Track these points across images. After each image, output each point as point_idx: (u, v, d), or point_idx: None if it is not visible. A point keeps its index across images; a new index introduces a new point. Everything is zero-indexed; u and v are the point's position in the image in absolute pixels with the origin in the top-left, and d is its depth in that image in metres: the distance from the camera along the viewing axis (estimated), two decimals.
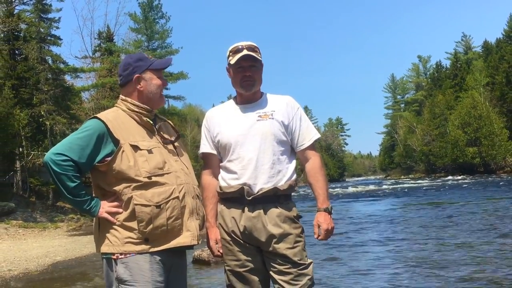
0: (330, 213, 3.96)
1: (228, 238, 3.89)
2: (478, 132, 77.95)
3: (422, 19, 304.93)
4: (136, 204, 3.41)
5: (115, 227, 3.46)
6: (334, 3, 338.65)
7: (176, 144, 3.83)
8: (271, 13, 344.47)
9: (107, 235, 3.48)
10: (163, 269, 3.49)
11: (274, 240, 3.78)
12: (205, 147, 4.07)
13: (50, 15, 39.28)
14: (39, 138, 37.01)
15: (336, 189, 59.81)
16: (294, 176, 3.96)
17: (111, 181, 3.48)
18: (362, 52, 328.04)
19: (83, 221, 27.16)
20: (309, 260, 3.89)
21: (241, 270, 3.87)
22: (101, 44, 54.00)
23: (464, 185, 45.77)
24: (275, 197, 3.83)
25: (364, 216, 22.72)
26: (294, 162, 4.03)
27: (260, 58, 3.91)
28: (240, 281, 3.90)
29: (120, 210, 3.45)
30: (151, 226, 3.42)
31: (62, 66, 39.93)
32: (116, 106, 3.75)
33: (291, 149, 4.04)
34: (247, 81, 3.91)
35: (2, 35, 35.75)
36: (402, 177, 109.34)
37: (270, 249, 3.80)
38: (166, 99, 56.80)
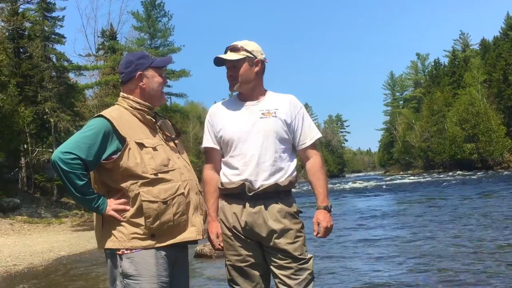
0: (329, 211, 3.98)
1: (229, 233, 3.90)
2: (475, 129, 77.86)
3: (420, 17, 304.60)
4: (144, 201, 3.41)
5: (121, 223, 3.46)
6: (334, 2, 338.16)
7: (176, 141, 3.84)
8: (272, 13, 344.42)
9: (113, 231, 3.48)
10: (167, 264, 3.50)
11: (275, 235, 3.79)
12: (208, 141, 4.08)
13: (54, 14, 39.28)
14: (43, 135, 36.99)
15: (336, 185, 59.84)
16: (295, 173, 3.97)
17: (117, 178, 3.48)
18: (362, 50, 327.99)
19: (87, 217, 27.14)
20: (309, 255, 3.91)
21: (242, 265, 3.89)
22: (105, 42, 53.93)
23: (462, 181, 45.75)
24: (275, 193, 3.84)
25: (363, 212, 22.72)
26: (295, 160, 4.05)
27: (239, 57, 3.93)
28: (241, 276, 3.91)
29: (128, 207, 3.45)
30: (158, 222, 3.42)
31: (66, 64, 39.90)
32: (118, 104, 3.74)
33: (292, 147, 4.05)
34: (230, 81, 4.00)
35: (7, 33, 35.70)
36: (401, 173, 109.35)
37: (271, 244, 3.81)
38: (168, 96, 56.94)
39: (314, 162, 4.05)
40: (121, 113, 3.62)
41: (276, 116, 3.93)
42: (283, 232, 3.80)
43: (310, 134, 4.06)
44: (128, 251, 3.43)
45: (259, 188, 3.80)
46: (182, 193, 3.53)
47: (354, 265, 10.18)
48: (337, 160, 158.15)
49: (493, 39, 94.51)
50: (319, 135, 4.16)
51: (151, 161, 3.48)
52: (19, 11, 36.93)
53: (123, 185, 3.46)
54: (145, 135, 3.58)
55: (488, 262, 9.38)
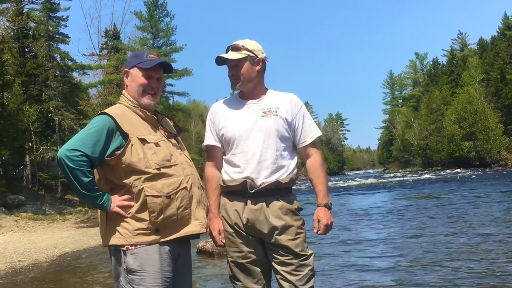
0: (329, 208, 3.98)
1: (231, 230, 3.91)
2: (473, 127, 77.79)
3: (419, 17, 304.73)
4: (148, 196, 3.41)
5: (125, 219, 3.46)
6: (334, 2, 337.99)
7: (177, 138, 3.85)
8: (272, 12, 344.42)
9: (117, 227, 3.47)
10: (171, 259, 3.50)
11: (276, 232, 3.80)
12: (209, 139, 4.08)
13: (58, 14, 39.37)
14: (48, 133, 37.01)
15: (336, 182, 59.82)
16: (295, 170, 3.97)
17: (121, 174, 3.48)
18: (361, 50, 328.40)
19: (90, 214, 27.16)
20: (310, 251, 3.92)
21: (243, 261, 3.90)
22: (108, 42, 53.89)
23: (460, 178, 45.75)
24: (277, 190, 3.84)
25: (363, 209, 22.71)
26: (295, 157, 4.04)
27: (239, 58, 3.92)
28: (242, 272, 3.92)
29: (132, 203, 3.46)
30: (162, 216, 3.42)
31: (70, 63, 40.00)
32: (120, 103, 3.76)
33: (293, 145, 4.05)
34: (232, 80, 3.99)
35: (12, 33, 35.73)
36: (400, 170, 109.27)
37: (272, 240, 3.82)
38: (171, 95, 56.87)
39: (315, 160, 4.05)
40: (123, 111, 3.62)
41: (277, 115, 3.93)
42: (284, 229, 3.81)
43: (310, 132, 4.06)
44: (133, 247, 3.42)
45: (260, 185, 3.80)
46: (185, 187, 3.53)
47: (352, 261, 10.17)
48: (337, 158, 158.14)
49: (491, 39, 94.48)
50: (320, 133, 4.15)
51: (153, 156, 3.48)
52: (23, 11, 36.96)
53: (127, 181, 3.46)
54: (147, 132, 3.58)
55: (487, 258, 9.38)
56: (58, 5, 38.91)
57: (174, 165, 3.55)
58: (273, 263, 3.89)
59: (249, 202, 3.82)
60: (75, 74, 42.27)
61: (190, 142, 59.02)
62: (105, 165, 3.51)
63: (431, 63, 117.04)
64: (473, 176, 46.79)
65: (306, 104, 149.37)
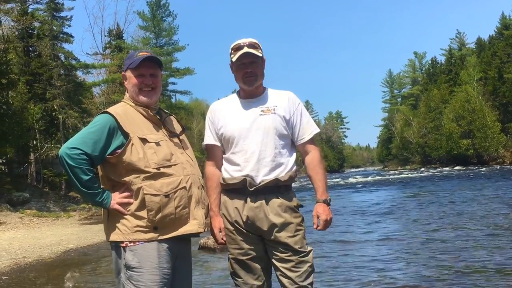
0: (328, 204, 3.97)
1: (231, 227, 3.90)
2: (471, 125, 77.89)
3: (418, 17, 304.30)
4: (146, 194, 3.42)
5: (124, 216, 3.47)
6: (334, 2, 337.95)
7: (181, 137, 3.83)
8: (273, 12, 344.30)
9: (117, 224, 3.49)
10: (170, 257, 3.50)
11: (276, 229, 3.79)
12: (209, 139, 4.07)
13: (62, 14, 39.48)
14: (52, 131, 37.08)
15: (336, 180, 59.81)
16: (295, 168, 3.97)
17: (121, 172, 3.49)
18: (361, 49, 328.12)
19: (94, 211, 27.15)
20: (309, 248, 3.92)
21: (244, 258, 3.89)
22: (111, 41, 53.84)
23: (458, 176, 45.76)
24: (276, 188, 3.84)
25: (362, 206, 22.69)
26: (294, 155, 4.04)
27: (260, 55, 3.91)
28: (243, 269, 3.92)
29: (131, 200, 3.46)
30: (160, 214, 3.43)
31: (74, 62, 40.06)
32: (124, 102, 3.76)
33: (291, 143, 4.04)
34: (248, 77, 3.91)
35: (16, 33, 35.76)
36: (399, 168, 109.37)
37: (272, 237, 3.81)
38: (173, 94, 56.93)
39: (313, 156, 4.05)
40: (126, 110, 3.63)
41: (275, 113, 3.92)
42: (283, 226, 3.80)
43: (308, 129, 4.05)
44: (132, 244, 3.44)
45: (260, 183, 3.79)
46: (184, 187, 3.53)
47: (352, 257, 10.17)
48: (337, 155, 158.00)
49: (489, 38, 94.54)
50: (317, 130, 4.15)
51: (153, 156, 3.48)
52: (28, 11, 37.05)
53: (126, 179, 3.47)
54: (149, 131, 3.58)
55: (483, 254, 9.37)
56: (62, 5, 39.00)
57: (174, 164, 3.55)
58: (273, 260, 3.88)
59: (249, 200, 3.82)
60: (79, 73, 42.36)
61: (192, 140, 58.96)
62: (106, 163, 3.52)
63: (430, 62, 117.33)
64: (471, 175, 46.73)
65: (307, 102, 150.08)
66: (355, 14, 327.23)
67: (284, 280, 3.82)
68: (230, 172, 3.91)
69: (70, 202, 30.39)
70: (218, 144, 4.02)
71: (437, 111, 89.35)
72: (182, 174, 3.55)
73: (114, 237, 3.49)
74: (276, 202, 3.82)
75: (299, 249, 3.82)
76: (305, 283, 3.81)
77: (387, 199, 26.00)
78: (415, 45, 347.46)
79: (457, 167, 71.49)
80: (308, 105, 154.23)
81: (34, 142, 34.62)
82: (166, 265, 3.47)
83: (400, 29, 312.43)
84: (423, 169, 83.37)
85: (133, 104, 3.68)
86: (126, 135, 3.48)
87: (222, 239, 3.97)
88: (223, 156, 4.02)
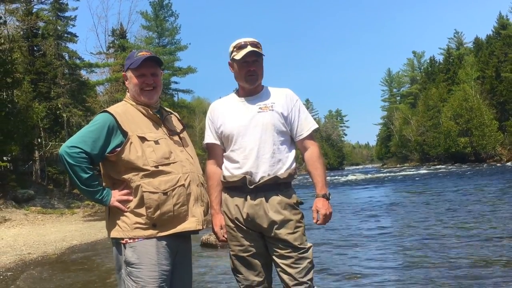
0: (328, 199, 3.95)
1: (232, 225, 3.90)
2: (469, 123, 77.93)
3: (416, 16, 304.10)
4: (145, 192, 3.43)
5: (124, 213, 3.48)
6: (333, 2, 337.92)
7: (181, 135, 3.82)
8: (273, 11, 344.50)
9: (117, 221, 3.50)
10: (169, 253, 3.51)
11: (276, 226, 3.79)
12: (209, 137, 4.07)
13: (66, 14, 39.37)
14: (56, 129, 37.06)
15: (336, 177, 59.85)
16: (294, 165, 3.96)
17: (121, 170, 3.50)
18: (361, 48, 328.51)
19: (98, 208, 27.08)
20: (309, 244, 3.91)
21: (244, 254, 3.89)
22: (115, 41, 53.77)
23: (456, 173, 45.78)
24: (275, 185, 3.83)
25: (362, 202, 22.71)
26: (293, 151, 4.03)
27: (262, 54, 3.91)
28: (244, 265, 3.92)
29: (131, 198, 3.47)
30: (158, 212, 3.44)
31: (78, 61, 39.98)
32: (125, 101, 3.76)
33: (290, 139, 4.03)
34: (251, 75, 3.91)
35: (21, 32, 35.76)
36: (398, 165, 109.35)
37: (272, 234, 3.81)
38: (176, 92, 56.90)
39: (312, 152, 4.03)
40: (126, 109, 3.64)
41: (273, 110, 3.92)
42: (283, 223, 3.80)
43: (307, 125, 4.04)
44: (131, 240, 3.45)
45: (259, 181, 3.79)
46: (183, 185, 3.53)
47: (351, 254, 10.17)
48: (336, 153, 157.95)
49: (486, 38, 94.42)
50: (316, 126, 4.14)
51: (152, 154, 3.48)
52: (33, 11, 36.98)
53: (126, 176, 3.48)
54: (148, 129, 3.58)
55: (481, 250, 9.37)
56: (66, 5, 38.93)
57: (173, 162, 3.55)
58: (273, 256, 3.88)
59: (249, 197, 3.81)
60: (83, 72, 42.25)
61: (195, 138, 58.92)
62: (107, 161, 3.53)
63: (428, 61, 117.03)
64: (469, 172, 46.70)
65: (307, 101, 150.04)
66: (354, 14, 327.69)
67: (284, 276, 3.82)
68: (230, 170, 3.90)
69: (74, 199, 30.36)
70: (218, 142, 4.02)
71: (435, 109, 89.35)
72: (181, 172, 3.55)
73: (114, 233, 3.51)
74: (275, 199, 3.81)
75: (299, 246, 3.81)
76: (304, 279, 3.80)
77: (385, 196, 26.07)
78: (414, 45, 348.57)
79: (455, 165, 71.49)
80: (308, 104, 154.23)
81: (39, 140, 34.61)
82: (165, 262, 3.48)
83: (399, 29, 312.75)
84: (421, 166, 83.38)
85: (133, 103, 3.68)
86: (125, 134, 3.49)
87: (223, 236, 3.97)
88: (224, 154, 4.01)
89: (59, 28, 37.83)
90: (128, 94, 3.76)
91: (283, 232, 3.79)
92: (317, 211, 3.92)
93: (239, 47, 3.89)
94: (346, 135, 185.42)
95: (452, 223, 13.35)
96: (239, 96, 4.04)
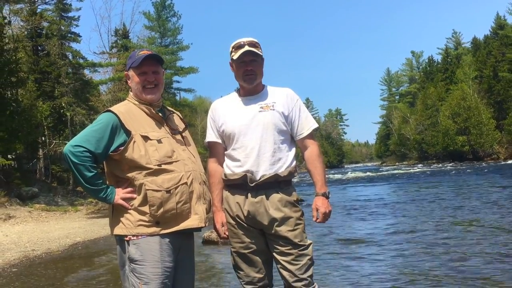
0: (327, 197, 3.96)
1: (233, 222, 3.91)
2: (467, 122, 77.94)
3: (415, 17, 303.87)
4: (148, 190, 3.43)
5: (128, 211, 3.48)
6: (333, 2, 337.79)
7: (184, 134, 3.82)
8: (274, 12, 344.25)
9: (121, 218, 3.50)
10: (172, 250, 3.50)
11: (276, 223, 3.79)
12: (211, 136, 4.08)
13: (70, 14, 39.41)
14: (60, 128, 37.04)
15: (335, 175, 59.84)
16: (294, 163, 3.96)
17: (124, 169, 3.50)
18: (360, 48, 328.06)
19: (101, 205, 27.05)
20: (309, 241, 3.92)
21: (245, 251, 3.90)
22: (118, 40, 53.75)
23: (454, 171, 45.78)
24: (276, 183, 3.83)
25: (361, 200, 22.73)
26: (294, 150, 4.04)
27: (260, 53, 3.91)
28: (244, 262, 3.93)
29: (134, 195, 3.47)
30: (161, 209, 3.43)
31: (81, 61, 40.00)
32: (128, 100, 3.76)
33: (291, 138, 4.04)
34: (249, 75, 3.91)
35: (26, 32, 35.77)
36: (397, 163, 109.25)
37: (272, 231, 3.81)
38: (178, 91, 56.87)
39: (312, 151, 4.04)
40: (129, 108, 3.64)
41: (274, 109, 3.92)
42: (283, 220, 3.80)
43: (307, 124, 4.05)
44: (135, 237, 3.45)
45: (260, 178, 3.79)
46: (185, 183, 3.52)
47: (351, 251, 10.17)
48: (336, 151, 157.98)
49: (484, 38, 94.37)
50: (316, 125, 4.15)
51: (155, 153, 3.48)
52: (37, 12, 36.97)
53: (129, 175, 3.48)
54: (151, 128, 3.58)
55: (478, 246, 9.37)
56: (70, 6, 38.97)
57: (176, 161, 3.55)
58: (273, 253, 3.89)
59: (249, 195, 3.82)
60: (86, 72, 42.27)
61: (196, 136, 58.90)
62: (110, 159, 3.54)
63: (427, 61, 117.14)
64: (469, 170, 46.69)
65: (307, 100, 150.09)
66: (354, 14, 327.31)
67: (285, 273, 3.83)
68: (231, 168, 3.91)
69: (78, 196, 30.36)
70: (220, 141, 4.03)
71: (433, 108, 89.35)
72: (184, 170, 3.55)
73: (118, 231, 3.51)
74: (276, 197, 3.82)
75: (299, 243, 3.82)
76: (304, 276, 3.81)
77: (384, 194, 26.05)
78: (412, 45, 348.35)
79: (453, 163, 71.50)
80: (308, 103, 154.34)
81: (43, 138, 34.61)
82: (168, 259, 3.48)
83: (398, 29, 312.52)
84: (420, 164, 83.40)
85: (136, 102, 3.68)
86: (128, 133, 3.49)
87: (225, 233, 3.98)
88: (225, 152, 4.02)
89: (62, 28, 37.85)
90: (130, 94, 3.77)
91: (283, 229, 3.80)
92: (317, 210, 3.93)
93: (237, 47, 3.90)
94: (345, 133, 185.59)
95: (448, 220, 13.35)
96: (240, 96, 4.04)
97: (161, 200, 3.42)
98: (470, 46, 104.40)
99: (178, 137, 3.74)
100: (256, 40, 3.94)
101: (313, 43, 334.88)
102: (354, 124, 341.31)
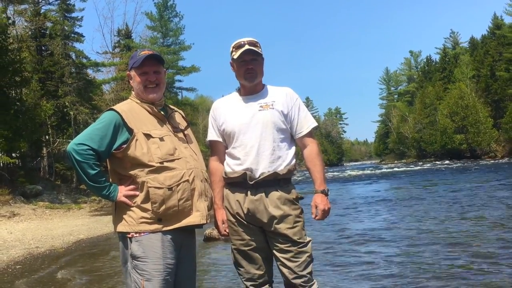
0: (326, 195, 3.97)
1: (233, 219, 3.92)
2: (465, 121, 77.85)
3: (413, 17, 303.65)
4: (150, 187, 3.43)
5: (131, 208, 3.49)
6: (333, 2, 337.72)
7: (186, 132, 3.82)
8: (274, 12, 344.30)
9: (124, 216, 3.51)
10: (173, 247, 3.51)
11: (275, 221, 3.80)
12: (212, 135, 4.08)
13: (73, 14, 39.38)
14: (63, 126, 37.08)
15: (335, 173, 59.85)
16: (293, 161, 3.97)
17: (127, 166, 3.51)
18: (359, 47, 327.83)
19: (104, 203, 27.10)
20: (308, 239, 3.92)
21: (245, 248, 3.91)
22: (120, 40, 53.77)
23: (452, 169, 45.76)
24: (275, 181, 3.84)
25: (361, 197, 22.73)
26: (293, 148, 4.04)
27: (260, 52, 3.92)
28: (245, 259, 3.94)
29: (137, 193, 3.47)
30: (163, 207, 3.44)
31: (84, 61, 39.98)
32: (130, 99, 3.77)
33: (290, 137, 4.04)
34: (249, 73, 3.91)
35: (29, 32, 35.80)
36: (396, 162, 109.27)
37: (272, 229, 3.82)
38: (180, 91, 56.88)
39: (311, 149, 4.04)
40: (132, 107, 3.65)
41: (273, 108, 3.92)
42: (282, 218, 3.81)
43: (306, 123, 4.05)
44: (137, 234, 3.46)
45: (259, 177, 3.80)
46: (187, 180, 3.53)
47: (351, 249, 10.17)
48: (336, 150, 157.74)
49: (481, 38, 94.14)
50: (315, 124, 4.15)
51: (157, 150, 3.49)
52: (41, 12, 37.04)
53: (132, 172, 3.49)
54: (153, 126, 3.58)
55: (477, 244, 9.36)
56: (73, 6, 38.94)
57: (178, 159, 3.55)
58: (273, 250, 3.89)
59: (249, 193, 3.83)
60: (89, 71, 42.30)
61: (198, 135, 58.81)
62: (113, 157, 3.54)
63: (425, 60, 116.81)
64: (465, 168, 46.68)
65: (307, 99, 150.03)
66: (353, 14, 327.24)
67: (284, 270, 3.84)
68: (232, 166, 3.92)
69: (81, 194, 30.38)
70: (221, 140, 4.03)
71: (432, 107, 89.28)
72: (185, 168, 3.55)
73: (120, 228, 3.52)
74: (275, 195, 3.82)
75: (298, 240, 3.82)
76: (304, 272, 3.82)
77: (383, 191, 26.02)
78: (411, 44, 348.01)
79: (451, 161, 71.50)
80: (308, 102, 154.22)
81: (47, 137, 34.64)
82: (170, 255, 3.48)
83: (397, 29, 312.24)
84: (418, 163, 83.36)
85: (138, 101, 3.69)
86: (130, 131, 3.49)
87: (225, 230, 3.99)
88: (226, 151, 4.03)
89: (66, 28, 37.84)
90: (133, 93, 3.77)
91: (282, 227, 3.80)
92: (316, 207, 3.93)
93: (238, 47, 3.91)
94: (345, 132, 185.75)
95: (446, 218, 13.35)
96: (241, 95, 4.05)
97: (163, 197, 3.43)
98: (467, 46, 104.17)
99: (180, 135, 3.74)
100: (256, 40, 3.95)
101: (313, 43, 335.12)
102: (353, 122, 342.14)
